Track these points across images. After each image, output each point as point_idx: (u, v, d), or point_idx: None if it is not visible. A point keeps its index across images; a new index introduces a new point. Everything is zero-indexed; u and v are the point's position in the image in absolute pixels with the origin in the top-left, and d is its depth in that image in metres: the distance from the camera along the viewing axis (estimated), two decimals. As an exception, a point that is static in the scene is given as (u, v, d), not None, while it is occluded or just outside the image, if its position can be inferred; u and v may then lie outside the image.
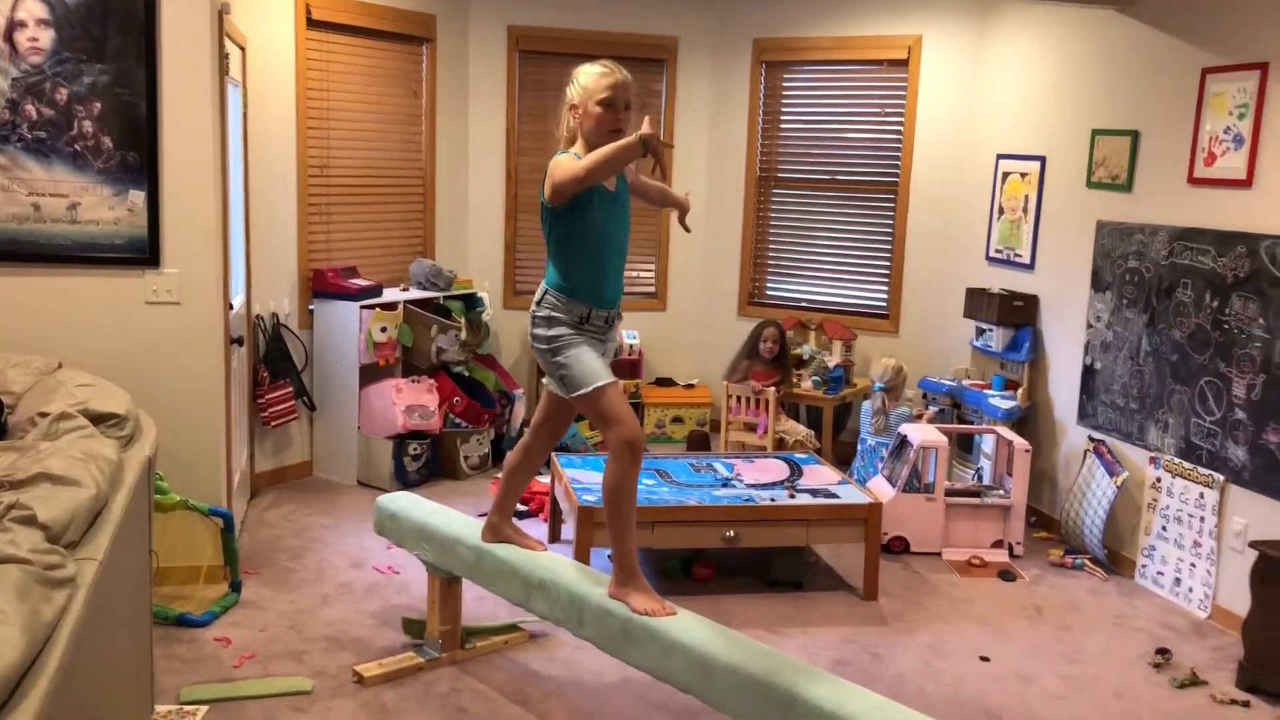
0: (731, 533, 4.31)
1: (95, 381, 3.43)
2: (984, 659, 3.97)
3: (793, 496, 4.48)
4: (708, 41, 6.84)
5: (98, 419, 3.06)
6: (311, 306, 5.71)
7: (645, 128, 2.83)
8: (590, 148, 3.03)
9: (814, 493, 4.54)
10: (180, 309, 4.18)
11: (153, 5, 3.97)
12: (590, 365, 3.07)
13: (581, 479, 4.55)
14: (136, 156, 4.05)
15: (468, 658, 3.78)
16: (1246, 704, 3.70)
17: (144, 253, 4.12)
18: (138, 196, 4.08)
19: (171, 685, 3.47)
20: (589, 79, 3.06)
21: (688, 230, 3.33)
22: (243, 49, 5.03)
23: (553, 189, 3.00)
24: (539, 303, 3.15)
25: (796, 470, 4.84)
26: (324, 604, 4.19)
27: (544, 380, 3.35)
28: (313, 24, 5.54)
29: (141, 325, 4.14)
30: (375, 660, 3.68)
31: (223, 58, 4.27)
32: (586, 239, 3.07)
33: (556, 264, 3.12)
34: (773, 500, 4.42)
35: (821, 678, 2.64)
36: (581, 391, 3.05)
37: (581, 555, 4.15)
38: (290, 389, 5.51)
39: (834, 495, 4.52)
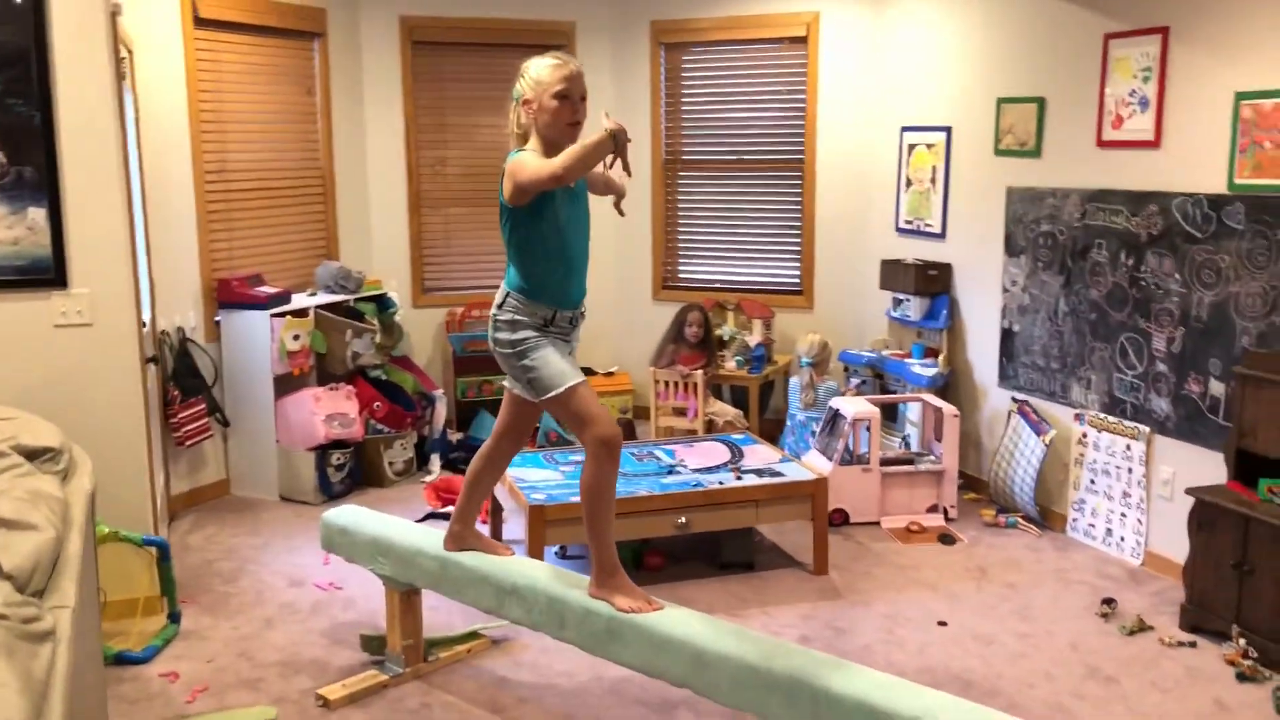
0: (684, 519, 4.28)
1: (16, 414, 3.21)
2: (941, 624, 4.04)
3: (739, 478, 4.49)
4: (605, 25, 6.77)
5: (31, 454, 2.86)
6: (217, 318, 5.47)
7: (610, 123, 2.76)
8: (546, 143, 2.94)
9: (759, 473, 4.54)
10: (92, 330, 3.94)
11: (42, 10, 3.72)
12: (558, 366, 2.99)
13: (527, 478, 4.47)
14: (34, 171, 3.80)
15: (432, 670, 3.67)
16: (1193, 644, 3.85)
17: (49, 273, 3.87)
18: (38, 214, 3.83)
19: (123, 729, 3.28)
20: (541, 71, 2.96)
21: (622, 214, 3.26)
22: (130, 52, 4.77)
23: (516, 189, 2.89)
24: (500, 306, 3.06)
25: (737, 452, 4.84)
26: (269, 627, 4.02)
27: (505, 383, 3.25)
28: (200, 23, 5.29)
29: (52, 350, 3.90)
30: (337, 682, 3.54)
31: (119, 61, 4.04)
32: (549, 239, 2.99)
33: (518, 265, 3.02)
34: (720, 483, 4.42)
35: (820, 659, 2.64)
36: (552, 393, 2.98)
37: (535, 555, 4.07)
38: (203, 406, 5.27)
39: (779, 474, 4.53)
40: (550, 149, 2.92)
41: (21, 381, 3.79)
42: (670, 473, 4.57)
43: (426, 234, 6.70)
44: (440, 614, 4.00)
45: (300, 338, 5.49)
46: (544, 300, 3.01)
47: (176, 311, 5.23)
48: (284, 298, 5.54)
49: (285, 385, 5.50)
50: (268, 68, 5.76)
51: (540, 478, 4.49)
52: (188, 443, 5.18)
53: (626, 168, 2.87)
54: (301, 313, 5.56)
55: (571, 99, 2.95)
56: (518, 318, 3.01)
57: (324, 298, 5.82)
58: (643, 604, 2.93)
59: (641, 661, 2.87)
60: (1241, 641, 3.72)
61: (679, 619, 2.85)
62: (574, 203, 3.05)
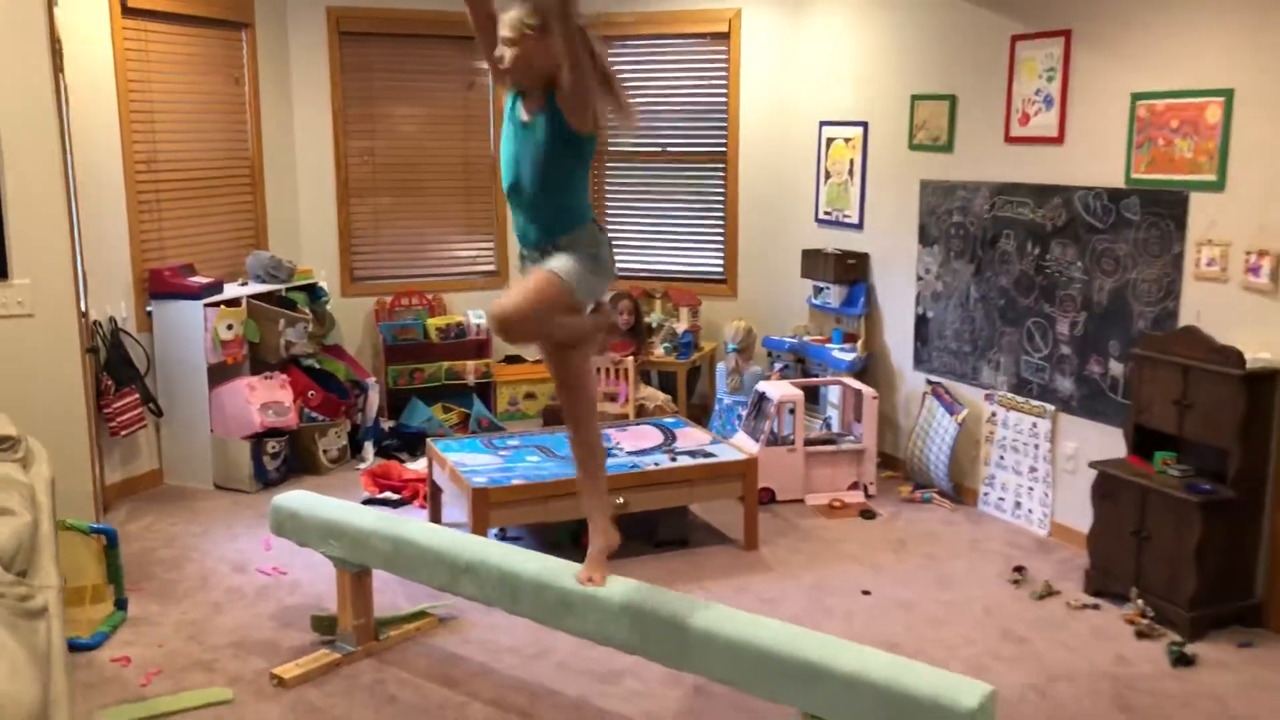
0: (621, 499, 4.45)
1: (-34, 404, 3.24)
2: (866, 593, 4.29)
3: (673, 459, 4.67)
4: (531, 19, 6.88)
5: (-7, 443, 2.92)
6: (149, 308, 5.47)
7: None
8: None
9: (692, 454, 4.74)
10: (34, 321, 3.97)
11: (-19, 0, 3.73)
12: None
13: (467, 462, 4.59)
14: (-27, 162, 3.81)
15: (383, 648, 3.79)
16: (1097, 606, 4.15)
17: (-10, 264, 3.89)
18: (-22, 205, 3.84)
19: (80, 712, 3.34)
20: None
21: None
22: (59, 42, 4.75)
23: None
24: None
25: (670, 435, 5.03)
26: (217, 612, 4.09)
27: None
28: (129, 12, 5.27)
29: (-8, 341, 3.91)
30: (290, 661, 3.64)
31: (57, 53, 4.05)
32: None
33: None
34: (656, 465, 4.60)
35: (762, 623, 2.83)
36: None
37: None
38: (137, 396, 5.28)
39: (711, 455, 4.73)
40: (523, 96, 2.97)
41: (-37, 372, 3.80)
42: (608, 455, 4.73)
43: (355, 224, 6.75)
44: (385, 595, 4.11)
45: (234, 327, 5.52)
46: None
47: (108, 302, 5.23)
48: (216, 287, 5.56)
49: (219, 374, 5.53)
50: (196, 58, 5.76)
51: (480, 462, 4.62)
52: (122, 433, 5.18)
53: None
54: (234, 302, 5.59)
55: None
56: None
57: (255, 287, 5.85)
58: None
59: (594, 630, 3.03)
60: (1140, 603, 4.03)
61: (628, 589, 3.02)
62: (517, 134, 2.98)
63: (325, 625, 3.85)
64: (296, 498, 3.87)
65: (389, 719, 3.34)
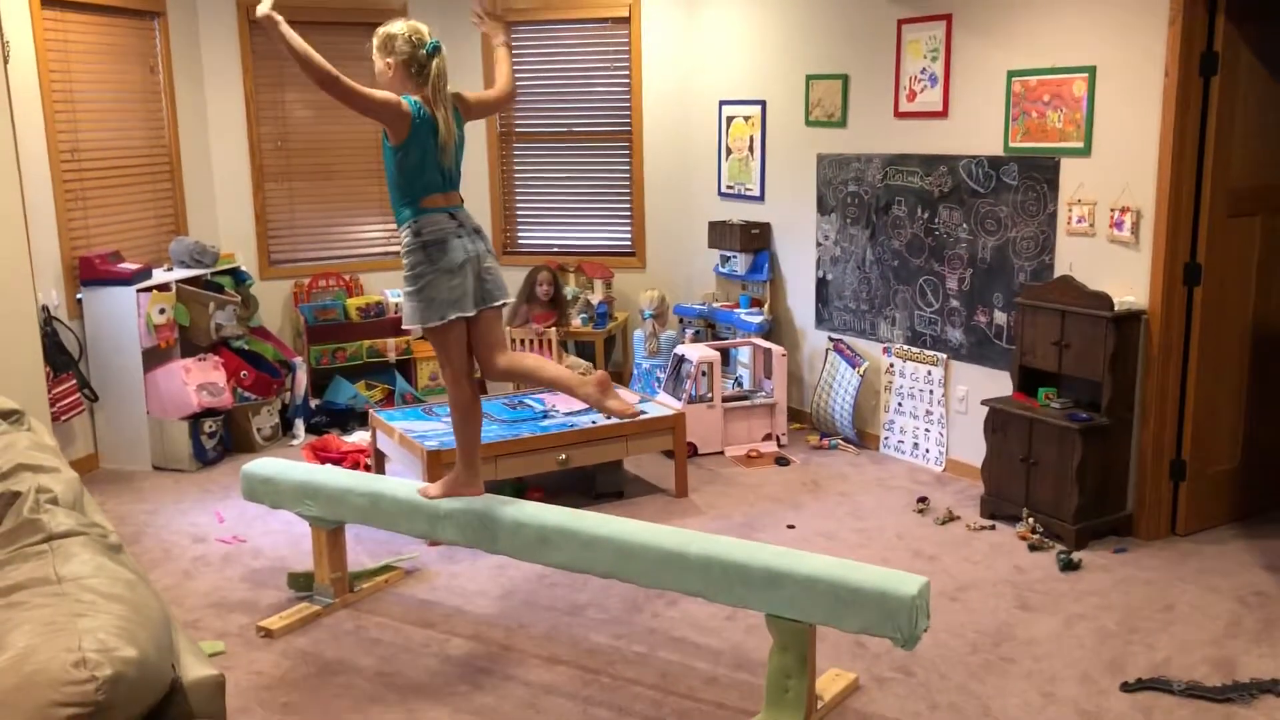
0: (564, 456, 4.80)
1: (-45, 384, 3.40)
2: (790, 527, 4.74)
3: (608, 417, 5.03)
4: (435, 2, 7.10)
5: (3, 415, 3.10)
6: (79, 295, 5.56)
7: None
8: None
9: (624, 412, 5.11)
10: (-4, 306, 4.09)
11: (-64, -6, 3.83)
12: (442, 297, 3.49)
13: (415, 429, 4.87)
14: (-69, 153, 3.91)
15: (358, 599, 4.06)
16: (992, 528, 4.69)
17: (-50, 252, 3.99)
18: (-63, 194, 3.94)
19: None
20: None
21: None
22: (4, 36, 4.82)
23: None
24: (409, 225, 3.47)
25: (599, 396, 5.38)
26: (188, 578, 4.30)
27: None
28: (48, 2, 5.33)
29: (-45, 327, 4.02)
30: (273, 615, 3.89)
31: (4, 44, 4.16)
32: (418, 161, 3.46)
33: (399, 195, 3.49)
34: (593, 422, 4.96)
35: (726, 542, 3.22)
36: (427, 325, 3.52)
37: (435, 494, 4.50)
38: (74, 382, 5.38)
39: (642, 412, 5.10)
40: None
41: (-70, 358, 3.91)
42: (545, 417, 5.07)
43: (270, 208, 6.89)
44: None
45: (165, 311, 5.66)
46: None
47: (40, 290, 5.29)
48: (146, 273, 5.68)
49: (152, 359, 5.66)
50: (112, 47, 5.83)
51: (427, 428, 4.91)
52: (61, 418, 5.28)
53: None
54: (164, 287, 5.72)
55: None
56: (424, 225, 3.46)
57: (181, 272, 5.98)
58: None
59: (572, 561, 3.37)
60: (1030, 521, 4.58)
61: (602, 521, 3.37)
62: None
63: (301, 581, 4.10)
64: (266, 464, 4.10)
65: (378, 658, 3.63)
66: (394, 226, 7.23)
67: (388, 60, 3.39)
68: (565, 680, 3.47)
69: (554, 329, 6.32)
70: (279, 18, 3.11)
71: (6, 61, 4.20)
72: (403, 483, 3.87)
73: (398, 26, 3.38)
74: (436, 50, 3.37)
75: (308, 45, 3.15)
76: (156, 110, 6.18)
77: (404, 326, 3.57)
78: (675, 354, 5.88)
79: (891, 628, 2.89)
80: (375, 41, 3.41)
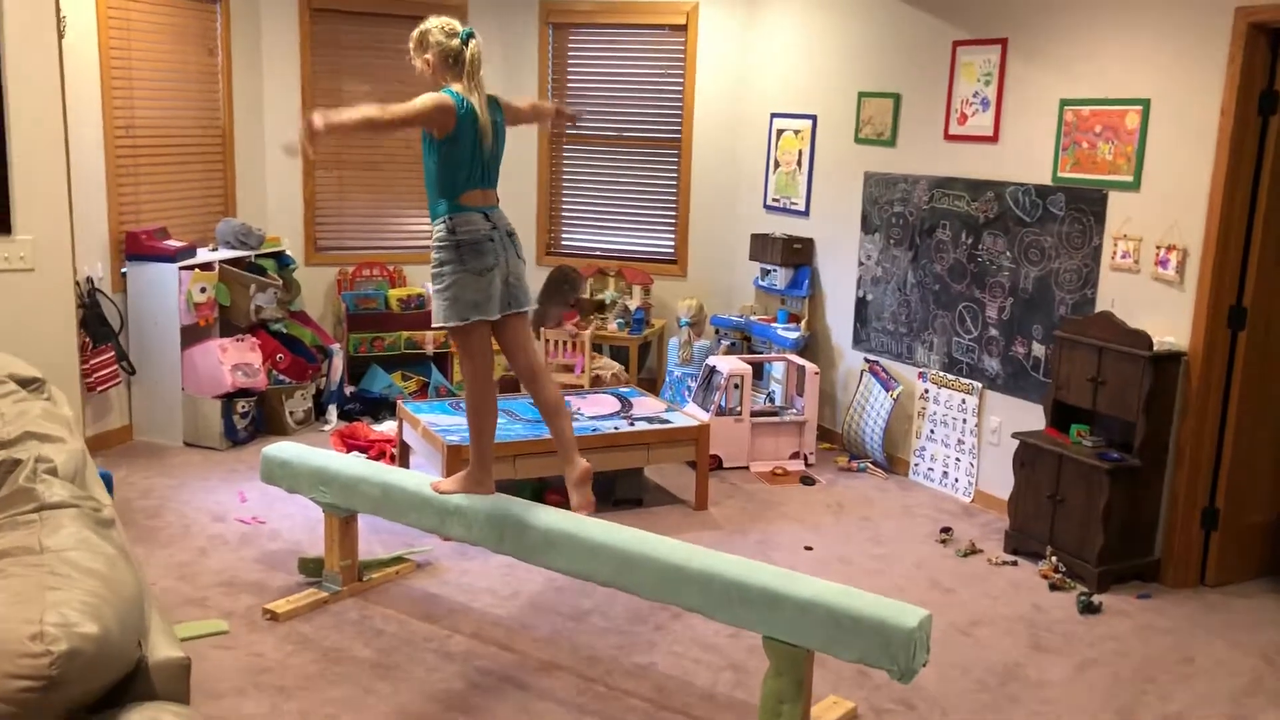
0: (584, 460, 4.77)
1: (-15, 349, 3.46)
2: (808, 548, 4.67)
3: (631, 424, 5.01)
4: (496, 1, 7.14)
5: (24, 383, 3.15)
6: (124, 269, 5.65)
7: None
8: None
9: (649, 420, 5.08)
10: (34, 276, 4.17)
11: (-6, -32, 3.91)
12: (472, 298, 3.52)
13: (439, 422, 4.88)
14: (-19, 122, 3.99)
15: (366, 589, 4.08)
16: (1015, 564, 4.59)
17: (-6, 219, 4.07)
18: (-16, 163, 4.02)
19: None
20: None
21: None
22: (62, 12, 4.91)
23: None
24: (446, 220, 3.48)
25: (626, 403, 5.37)
26: (203, 555, 4.34)
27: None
28: (112, -18, 5.44)
29: (-5, 293, 4.10)
30: (280, 599, 3.91)
31: (60, 20, 4.24)
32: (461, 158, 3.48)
33: (438, 190, 3.51)
34: (615, 428, 4.94)
35: (728, 559, 3.18)
36: (454, 323, 3.53)
37: (452, 489, 4.50)
38: (112, 353, 5.46)
39: (667, 420, 5.08)
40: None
41: (-34, 322, 3.99)
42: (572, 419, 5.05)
43: (320, 195, 6.96)
44: (361, 542, 4.39)
45: (206, 290, 5.73)
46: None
47: (85, 262, 5.39)
48: (190, 251, 5.75)
49: (190, 336, 5.73)
50: (172, 28, 5.93)
51: (450, 422, 4.91)
52: (98, 389, 5.37)
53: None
54: (207, 266, 5.79)
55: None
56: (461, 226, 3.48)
57: (226, 253, 6.05)
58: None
59: (574, 567, 3.35)
60: (1053, 559, 4.47)
61: (606, 529, 3.35)
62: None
63: (311, 567, 4.12)
64: (285, 448, 4.13)
65: (377, 650, 3.63)
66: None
67: (425, 57, 3.44)
68: (561, 686, 3.44)
69: (588, 331, 6.31)
70: (328, 120, 3.11)
71: (62, 37, 4.27)
72: (415, 475, 3.87)
73: (430, 22, 3.43)
74: (470, 37, 3.41)
75: (357, 112, 3.16)
76: (213, 92, 6.27)
77: (433, 324, 3.57)
78: (707, 364, 5.84)
79: (888, 659, 2.83)
80: (411, 43, 3.46)
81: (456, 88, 3.37)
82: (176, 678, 1.89)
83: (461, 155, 3.37)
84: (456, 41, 3.39)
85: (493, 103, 3.49)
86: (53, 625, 1.65)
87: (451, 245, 3.40)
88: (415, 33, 3.44)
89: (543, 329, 6.39)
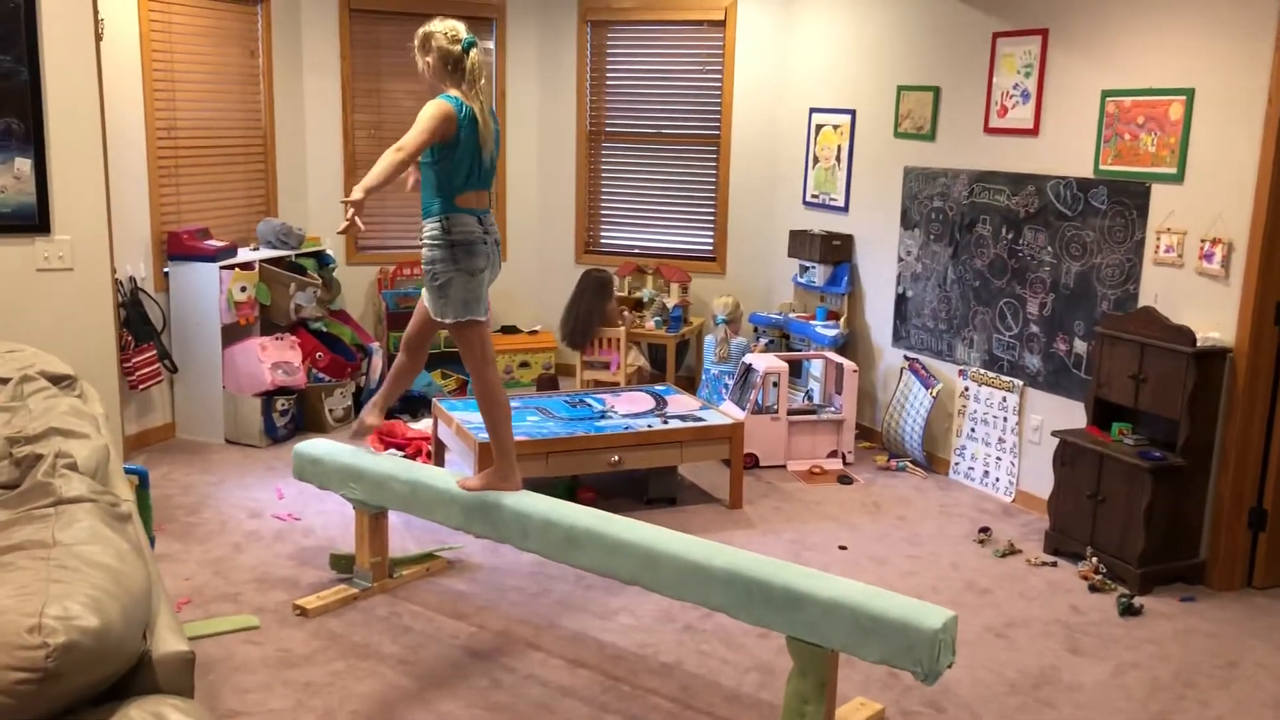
0: (616, 457, 4.77)
1: (20, 347, 3.53)
2: (842, 548, 4.61)
3: (665, 422, 4.98)
4: (535, 0, 7.15)
5: (55, 380, 3.19)
6: (166, 269, 5.73)
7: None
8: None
9: (683, 418, 5.05)
10: (73, 275, 4.23)
11: (33, -28, 3.98)
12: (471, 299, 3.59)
13: (472, 420, 4.88)
14: (21, 124, 4.07)
15: (396, 585, 4.09)
16: (1054, 565, 4.50)
17: (33, 220, 4.15)
18: (24, 164, 4.11)
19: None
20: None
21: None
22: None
23: None
24: (442, 220, 3.52)
25: (661, 400, 5.34)
26: (238, 551, 4.38)
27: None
28: (154, -15, 5.52)
29: (34, 292, 4.19)
30: (311, 594, 3.94)
31: (98, 22, 4.30)
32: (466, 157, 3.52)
33: (435, 191, 3.54)
34: (649, 426, 4.91)
35: (751, 557, 3.14)
36: (459, 319, 3.60)
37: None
38: (154, 352, 5.54)
39: (700, 419, 5.05)
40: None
41: (6, 321, 4.07)
42: (603, 417, 5.04)
43: (360, 195, 7.00)
44: (395, 537, 4.41)
45: (247, 289, 5.79)
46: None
47: (128, 261, 5.48)
48: (231, 251, 5.82)
49: (231, 334, 5.80)
50: (214, 30, 6.00)
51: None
52: (140, 387, 5.45)
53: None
54: (247, 266, 5.85)
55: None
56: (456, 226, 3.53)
57: (266, 252, 6.12)
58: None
59: (597, 564, 3.33)
60: (1094, 560, 4.37)
61: (630, 527, 3.32)
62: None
63: (343, 564, 4.14)
64: (317, 445, 4.16)
65: (404, 646, 3.64)
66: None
67: (427, 59, 3.51)
68: (585, 684, 3.43)
69: (623, 328, 6.29)
70: (365, 187, 3.21)
71: (100, 40, 4.33)
72: (443, 473, 3.88)
73: (435, 25, 3.50)
74: (472, 45, 3.47)
75: (383, 165, 3.24)
76: (254, 93, 6.34)
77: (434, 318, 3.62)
78: (743, 362, 5.80)
79: (912, 660, 2.78)
80: (416, 41, 3.53)
81: (454, 93, 3.44)
82: (180, 672, 1.90)
83: (460, 158, 3.43)
84: (458, 48, 3.45)
85: (491, 110, 3.54)
86: (52, 618, 1.66)
87: (445, 244, 3.47)
88: (420, 33, 3.51)
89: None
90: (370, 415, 3.91)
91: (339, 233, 3.39)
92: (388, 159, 3.24)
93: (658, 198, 7.23)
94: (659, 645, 3.70)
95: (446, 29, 3.46)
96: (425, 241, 3.50)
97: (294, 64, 6.62)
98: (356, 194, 3.18)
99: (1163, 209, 4.44)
